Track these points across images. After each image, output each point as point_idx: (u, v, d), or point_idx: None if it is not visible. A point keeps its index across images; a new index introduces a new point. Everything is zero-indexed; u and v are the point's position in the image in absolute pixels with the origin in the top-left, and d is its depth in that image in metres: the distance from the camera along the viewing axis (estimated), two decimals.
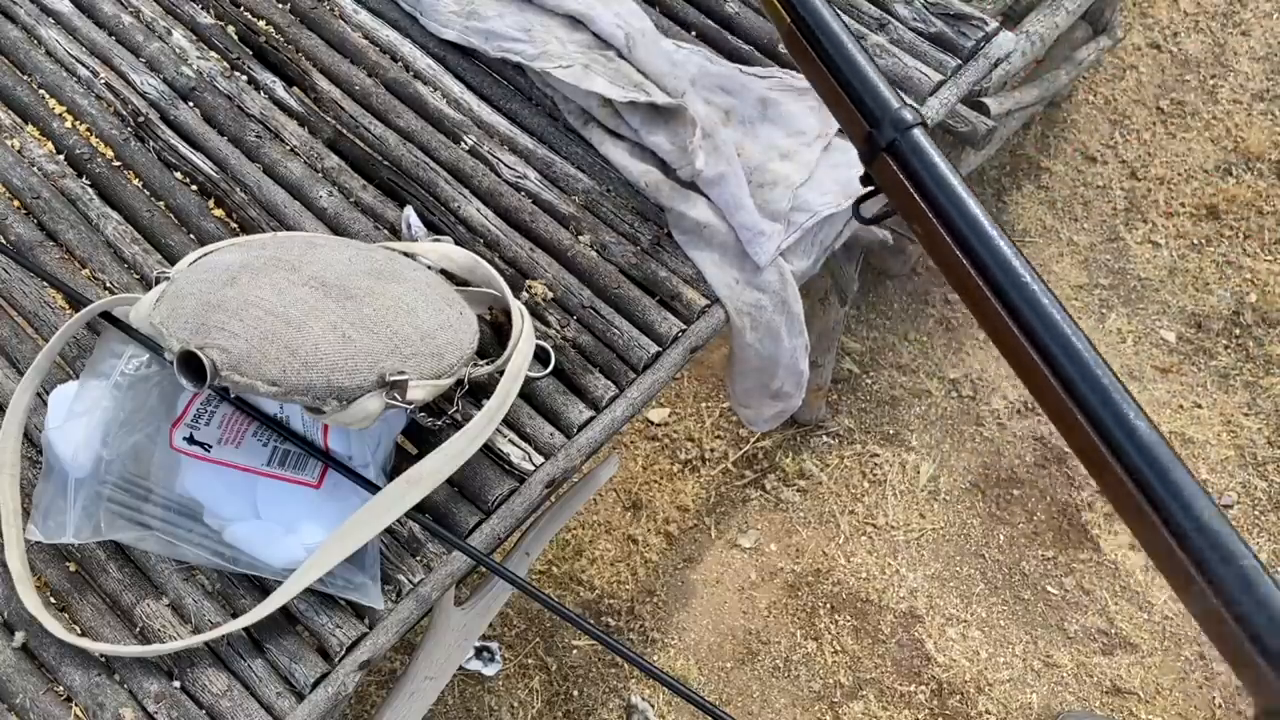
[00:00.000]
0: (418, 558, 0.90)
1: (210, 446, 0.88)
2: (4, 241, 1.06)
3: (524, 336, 0.93)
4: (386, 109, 1.14)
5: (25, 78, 1.17)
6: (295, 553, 0.86)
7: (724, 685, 1.61)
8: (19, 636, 0.86)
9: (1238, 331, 1.91)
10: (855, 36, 0.76)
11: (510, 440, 0.95)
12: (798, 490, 1.76)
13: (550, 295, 1.03)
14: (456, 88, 1.16)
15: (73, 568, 0.90)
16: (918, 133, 0.72)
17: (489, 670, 1.57)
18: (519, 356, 0.92)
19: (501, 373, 0.91)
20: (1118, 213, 2.06)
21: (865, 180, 0.77)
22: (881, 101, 0.73)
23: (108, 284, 1.03)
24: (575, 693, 1.59)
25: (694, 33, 1.20)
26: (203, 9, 1.22)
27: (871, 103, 0.74)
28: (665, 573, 1.69)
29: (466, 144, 1.12)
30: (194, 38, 1.19)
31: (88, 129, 1.13)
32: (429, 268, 0.97)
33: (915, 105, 0.82)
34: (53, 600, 0.89)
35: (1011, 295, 0.67)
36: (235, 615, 0.86)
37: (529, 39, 1.12)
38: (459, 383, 0.91)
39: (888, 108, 0.73)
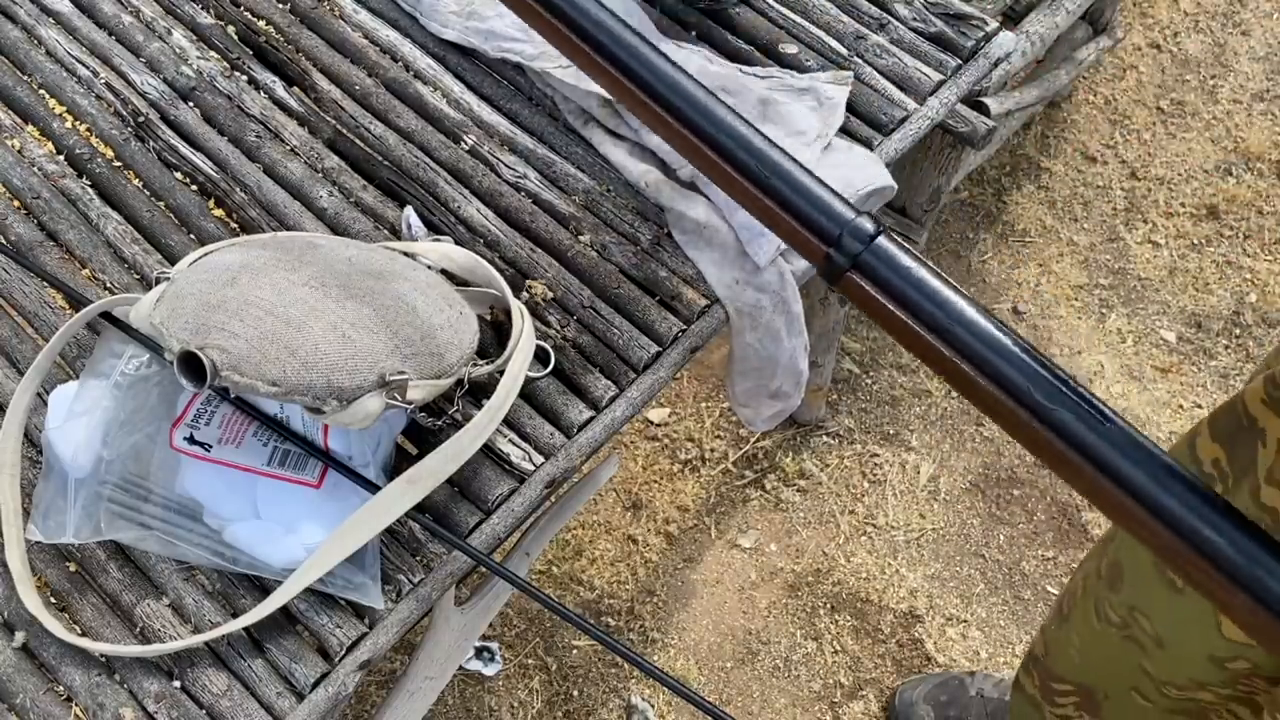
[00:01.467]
0: (418, 558, 0.90)
1: (210, 446, 0.88)
2: (4, 241, 1.06)
3: (524, 336, 0.93)
4: (386, 109, 1.15)
5: (25, 78, 1.17)
6: (295, 553, 0.86)
7: (724, 685, 1.61)
8: (19, 636, 0.86)
9: (1238, 331, 1.91)
10: None
11: (510, 440, 0.95)
12: (798, 490, 1.76)
13: (550, 295, 1.03)
14: (456, 88, 1.16)
15: (73, 568, 0.90)
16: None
17: (489, 670, 1.57)
18: (519, 356, 0.92)
19: (501, 373, 0.91)
20: (1118, 213, 2.06)
21: None
22: None
23: (108, 284, 1.03)
24: (575, 693, 1.59)
25: (694, 33, 1.20)
26: (203, 9, 1.22)
27: None
28: (665, 573, 1.69)
29: (466, 144, 1.12)
30: (194, 38, 1.19)
31: (88, 129, 1.13)
32: (429, 268, 0.97)
33: None
34: (53, 600, 0.89)
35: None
36: (235, 615, 0.86)
37: (529, 39, 1.12)
38: (459, 383, 0.91)
39: None
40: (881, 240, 0.55)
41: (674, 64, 0.60)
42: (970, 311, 0.53)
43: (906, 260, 0.54)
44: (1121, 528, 0.50)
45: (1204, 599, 0.89)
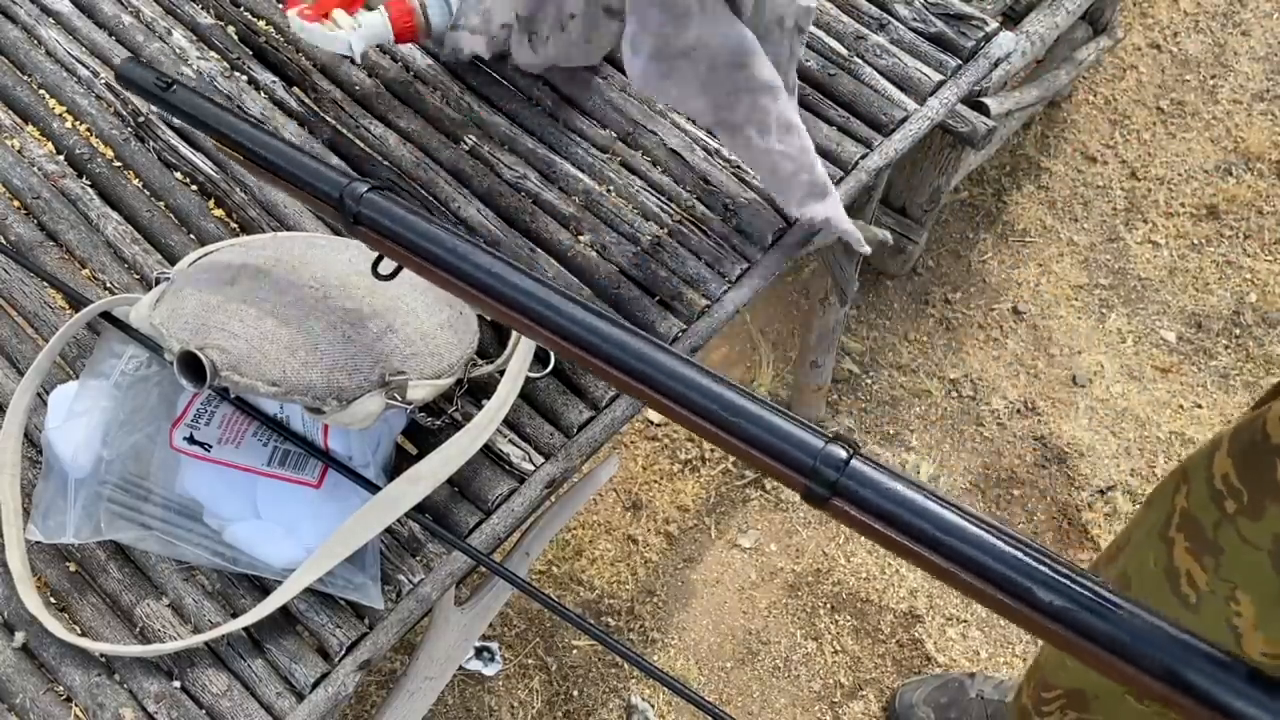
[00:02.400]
0: (418, 558, 0.90)
1: (210, 446, 0.88)
2: (4, 241, 1.06)
3: (524, 336, 0.93)
4: (386, 109, 1.15)
5: (25, 78, 1.17)
6: (295, 553, 0.86)
7: (724, 685, 1.61)
8: (19, 636, 0.86)
9: (1238, 331, 1.91)
10: None
11: (510, 440, 0.95)
12: None
13: None
14: (456, 88, 1.16)
15: (73, 568, 0.90)
16: (376, 197, 0.73)
17: (489, 670, 1.57)
18: (519, 356, 0.92)
19: (502, 373, 0.91)
20: (1118, 213, 2.06)
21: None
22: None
23: (108, 284, 1.03)
24: (575, 693, 1.59)
25: None
26: (203, 9, 1.22)
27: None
28: (665, 573, 1.69)
29: (466, 144, 1.12)
30: (194, 38, 1.19)
31: (88, 129, 1.13)
32: None
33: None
34: (53, 600, 0.89)
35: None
36: (235, 615, 0.86)
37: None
38: (459, 382, 0.91)
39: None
40: (855, 464, 0.55)
41: (632, 330, 0.63)
42: (957, 519, 0.53)
43: (885, 479, 0.54)
44: (1146, 699, 0.51)
45: (1218, 619, 0.86)
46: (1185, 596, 0.89)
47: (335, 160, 1.11)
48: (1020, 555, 0.51)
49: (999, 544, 0.52)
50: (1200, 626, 0.88)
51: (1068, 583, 0.50)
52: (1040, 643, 1.57)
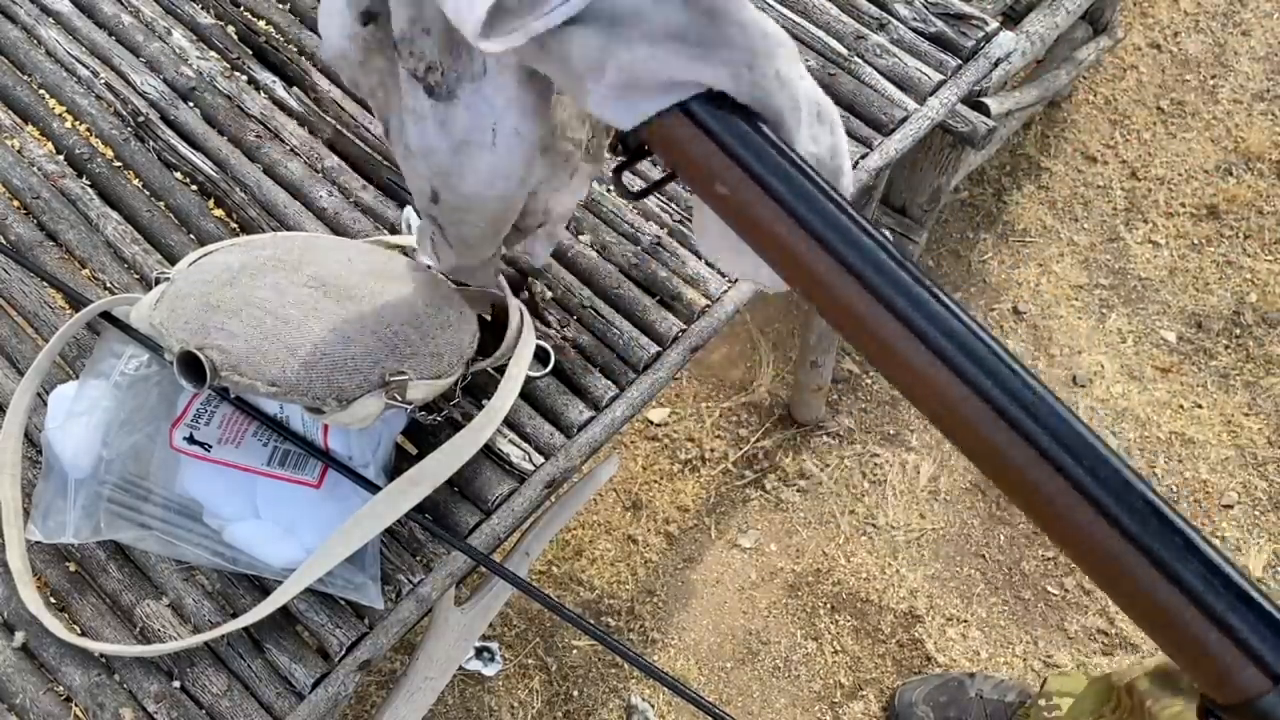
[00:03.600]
0: (418, 558, 0.90)
1: (210, 446, 0.88)
2: (4, 241, 1.06)
3: (524, 336, 0.93)
4: None
5: (25, 78, 1.17)
6: (295, 553, 0.86)
7: (724, 685, 1.61)
8: (19, 636, 0.86)
9: (1238, 331, 1.91)
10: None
11: (510, 440, 0.95)
12: (798, 490, 1.76)
13: (550, 295, 1.03)
14: None
15: (73, 568, 0.90)
16: None
17: (489, 670, 1.57)
18: (519, 356, 0.92)
19: (501, 372, 0.91)
20: (1118, 213, 2.06)
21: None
22: None
23: (108, 284, 1.03)
24: (575, 693, 1.59)
25: None
26: (203, 9, 1.22)
27: None
28: (665, 573, 1.69)
29: None
30: (194, 38, 1.19)
31: (88, 129, 1.13)
32: (428, 267, 0.97)
33: None
34: (53, 600, 0.89)
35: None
36: (235, 615, 0.86)
37: None
38: (459, 381, 0.91)
39: None
40: None
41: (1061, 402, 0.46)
42: None
43: None
44: None
45: None
46: None
47: (333, 158, 1.11)
48: None
49: None
50: None
51: None
52: (1076, 671, 1.57)
